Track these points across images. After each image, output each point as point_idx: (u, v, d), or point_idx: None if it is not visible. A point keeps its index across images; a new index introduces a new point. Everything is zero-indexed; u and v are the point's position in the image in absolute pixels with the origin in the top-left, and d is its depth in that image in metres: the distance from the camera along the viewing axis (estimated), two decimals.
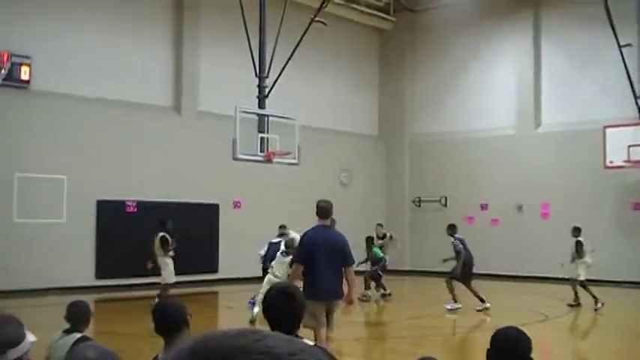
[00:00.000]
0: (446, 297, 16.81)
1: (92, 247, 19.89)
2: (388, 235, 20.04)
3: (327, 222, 9.22)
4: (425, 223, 27.06)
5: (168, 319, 4.39)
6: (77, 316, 5.82)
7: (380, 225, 20.50)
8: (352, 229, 23.87)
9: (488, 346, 3.68)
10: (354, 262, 9.16)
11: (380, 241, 19.48)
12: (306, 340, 3.00)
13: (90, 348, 2.81)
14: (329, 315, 8.84)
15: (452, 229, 17.30)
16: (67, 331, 5.60)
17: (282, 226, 16.36)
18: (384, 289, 18.80)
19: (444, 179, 26.63)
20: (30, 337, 3.06)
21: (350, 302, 9.23)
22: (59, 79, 19.28)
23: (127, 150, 20.37)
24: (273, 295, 4.15)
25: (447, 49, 27.14)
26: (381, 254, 18.88)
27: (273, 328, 3.91)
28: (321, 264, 8.70)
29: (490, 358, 3.65)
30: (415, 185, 27.78)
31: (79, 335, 5.58)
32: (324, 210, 9.16)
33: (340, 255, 8.89)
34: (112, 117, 20.14)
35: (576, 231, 17.56)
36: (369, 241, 19.01)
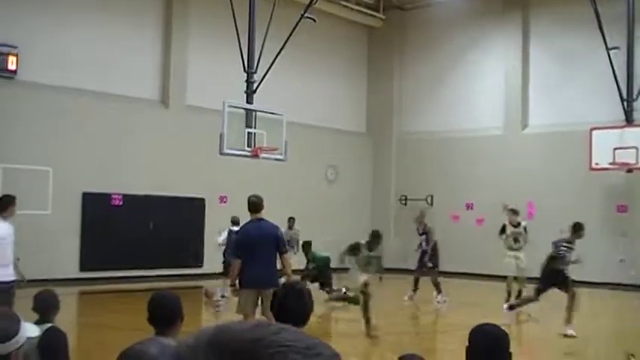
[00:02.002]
0: (430, 295, 16.85)
1: (77, 239, 19.82)
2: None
3: (259, 215, 9.68)
4: (410, 222, 26.96)
5: (165, 311, 4.38)
6: (45, 306, 5.70)
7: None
8: (337, 225, 24.07)
9: (467, 344, 3.70)
10: (287, 250, 9.82)
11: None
12: None
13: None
14: (263, 302, 9.33)
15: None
16: (37, 322, 5.47)
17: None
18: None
19: (431, 178, 26.68)
20: (29, 332, 3.01)
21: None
22: (46, 70, 19.18)
23: (114, 143, 20.29)
24: (282, 293, 4.24)
25: (436, 48, 27.19)
26: (324, 255, 17.70)
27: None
28: (256, 255, 9.26)
29: (469, 354, 3.67)
30: (401, 183, 27.81)
31: (48, 325, 5.46)
32: (254, 205, 9.71)
33: (274, 245, 9.49)
34: (99, 109, 20.05)
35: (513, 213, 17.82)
36: (307, 246, 18.19)
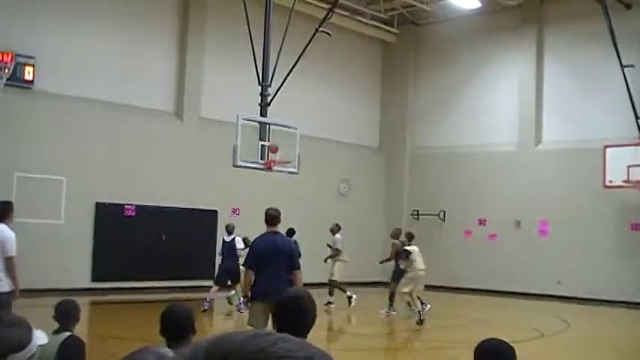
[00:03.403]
0: (441, 310, 16.78)
1: (89, 249, 19.87)
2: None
3: (275, 229, 9.66)
4: (423, 237, 26.96)
5: (178, 324, 4.39)
6: (65, 315, 5.77)
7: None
8: (349, 239, 24.02)
9: (474, 358, 3.69)
10: (299, 266, 9.65)
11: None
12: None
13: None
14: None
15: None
16: (56, 332, 5.55)
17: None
18: None
19: (443, 193, 26.62)
20: (39, 340, 3.01)
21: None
22: (63, 80, 19.32)
23: (128, 154, 20.37)
24: (285, 302, 4.16)
25: (449, 64, 27.20)
26: None
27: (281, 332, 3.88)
28: (269, 268, 9.26)
29: None
30: (414, 198, 27.76)
31: (67, 334, 5.54)
32: (272, 218, 9.66)
33: (287, 260, 9.46)
34: (114, 120, 20.16)
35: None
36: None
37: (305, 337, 4.05)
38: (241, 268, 13.64)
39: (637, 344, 13.92)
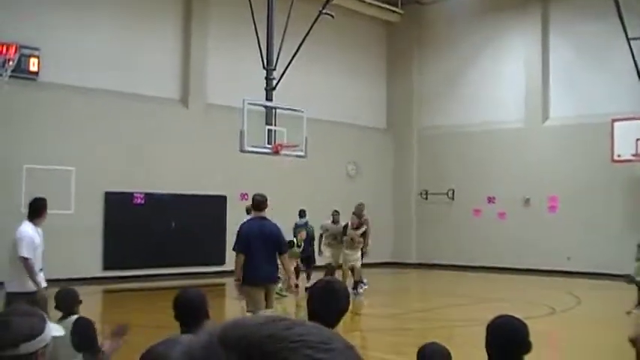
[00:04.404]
0: (451, 288, 16.81)
1: (100, 238, 19.96)
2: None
3: (262, 214, 10.07)
4: (432, 216, 27.07)
5: (191, 308, 4.41)
6: (66, 303, 5.86)
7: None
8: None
9: (486, 336, 3.71)
10: (287, 250, 10.15)
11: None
12: None
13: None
14: (267, 297, 9.89)
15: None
16: (61, 319, 5.64)
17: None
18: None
19: (452, 172, 26.59)
20: (54, 332, 3.03)
21: (291, 285, 10.54)
22: (68, 70, 19.31)
23: (135, 142, 20.39)
24: (318, 289, 4.15)
25: (455, 42, 27.06)
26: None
27: (313, 320, 3.87)
28: (257, 252, 9.61)
29: (489, 347, 3.67)
30: (422, 178, 27.74)
31: (75, 317, 5.67)
32: (258, 203, 10.15)
33: (275, 244, 9.83)
34: (120, 109, 20.17)
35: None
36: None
37: (334, 325, 4.02)
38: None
39: None
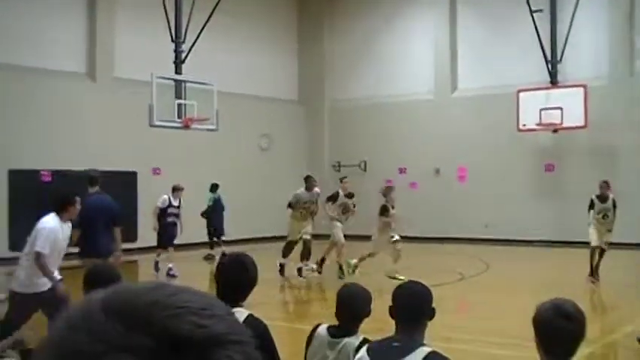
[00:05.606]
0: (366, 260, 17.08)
1: (5, 218, 19.33)
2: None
3: (97, 188, 10.86)
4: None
5: (102, 283, 4.34)
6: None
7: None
8: (272, 193, 24.05)
9: (391, 302, 3.79)
10: (121, 224, 10.73)
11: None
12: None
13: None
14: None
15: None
16: None
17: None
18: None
19: (364, 144, 26.85)
20: None
21: (117, 257, 10.73)
22: None
23: (40, 118, 19.75)
24: (226, 264, 4.19)
25: (364, 13, 27.20)
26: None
27: (221, 295, 3.94)
28: (96, 225, 10.33)
29: (394, 313, 3.76)
30: (335, 150, 27.93)
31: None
32: (94, 179, 10.99)
33: (110, 217, 10.58)
34: (24, 84, 19.47)
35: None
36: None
37: (245, 298, 4.07)
38: None
39: (549, 281, 14.45)
